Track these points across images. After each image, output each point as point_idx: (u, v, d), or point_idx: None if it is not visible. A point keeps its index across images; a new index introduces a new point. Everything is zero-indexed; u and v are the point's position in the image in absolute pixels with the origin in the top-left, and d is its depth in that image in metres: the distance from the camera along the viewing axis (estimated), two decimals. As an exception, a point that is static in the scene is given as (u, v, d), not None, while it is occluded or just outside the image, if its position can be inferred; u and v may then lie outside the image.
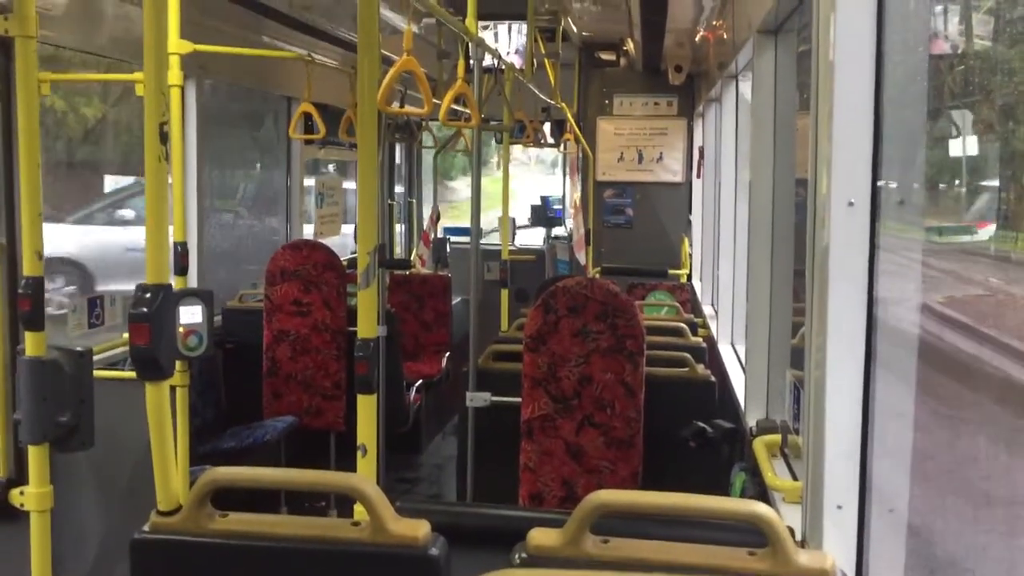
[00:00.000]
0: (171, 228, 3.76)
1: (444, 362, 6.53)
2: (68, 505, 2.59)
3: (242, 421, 4.85)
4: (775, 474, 2.68)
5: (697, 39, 5.85)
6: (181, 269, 3.86)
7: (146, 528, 1.82)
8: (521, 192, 10.17)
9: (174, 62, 3.66)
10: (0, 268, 3.43)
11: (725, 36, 4.65)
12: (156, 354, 1.79)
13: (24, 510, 2.46)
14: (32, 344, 2.41)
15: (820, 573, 1.55)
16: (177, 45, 3.67)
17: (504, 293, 5.03)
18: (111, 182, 8.49)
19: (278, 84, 5.52)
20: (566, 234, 8.95)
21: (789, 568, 1.53)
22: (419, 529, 1.74)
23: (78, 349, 2.46)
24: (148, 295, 1.79)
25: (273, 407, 4.99)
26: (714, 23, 4.91)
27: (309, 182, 6.22)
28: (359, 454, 2.17)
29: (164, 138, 1.78)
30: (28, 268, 2.42)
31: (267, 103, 6.10)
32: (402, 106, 5.14)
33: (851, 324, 1.88)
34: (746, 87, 4.43)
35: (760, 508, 1.55)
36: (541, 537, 1.63)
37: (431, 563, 1.73)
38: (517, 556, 1.66)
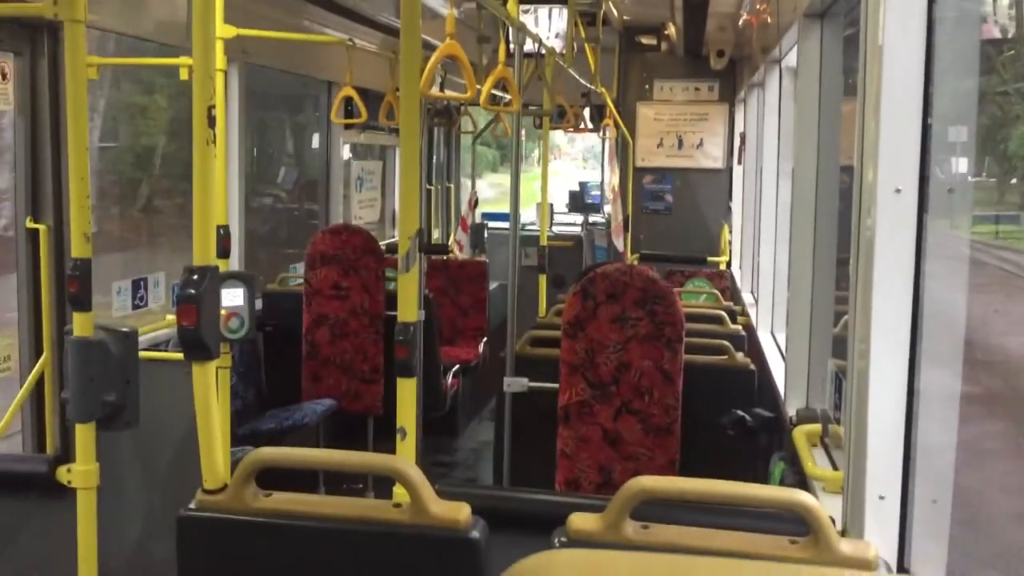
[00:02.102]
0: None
1: (481, 347, 6.55)
2: (113, 483, 2.64)
3: (281, 403, 4.91)
4: (815, 464, 2.65)
5: (740, 23, 5.78)
6: (223, 252, 3.89)
7: (192, 505, 1.85)
8: (567, 187, 10.09)
9: (218, 46, 3.69)
10: (47, 250, 3.50)
11: (769, 20, 4.59)
12: (203, 335, 1.81)
13: (71, 487, 2.51)
14: (79, 324, 2.45)
15: (863, 563, 1.54)
16: (222, 30, 3.70)
17: (542, 279, 5.02)
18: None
19: (319, 68, 5.54)
20: (604, 220, 8.92)
21: (832, 557, 1.52)
22: (460, 512, 1.76)
23: (124, 330, 2.50)
24: (196, 277, 1.81)
25: (312, 390, 5.04)
26: (758, 7, 4.85)
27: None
28: (399, 437, 2.18)
29: (212, 121, 1.79)
30: (76, 250, 2.45)
31: (308, 87, 6.14)
32: (442, 90, 5.14)
33: (896, 314, 1.85)
34: (790, 72, 4.37)
35: (802, 496, 1.54)
36: (581, 521, 1.63)
37: (472, 545, 1.74)
38: (557, 540, 1.66)
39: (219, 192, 3.84)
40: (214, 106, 1.80)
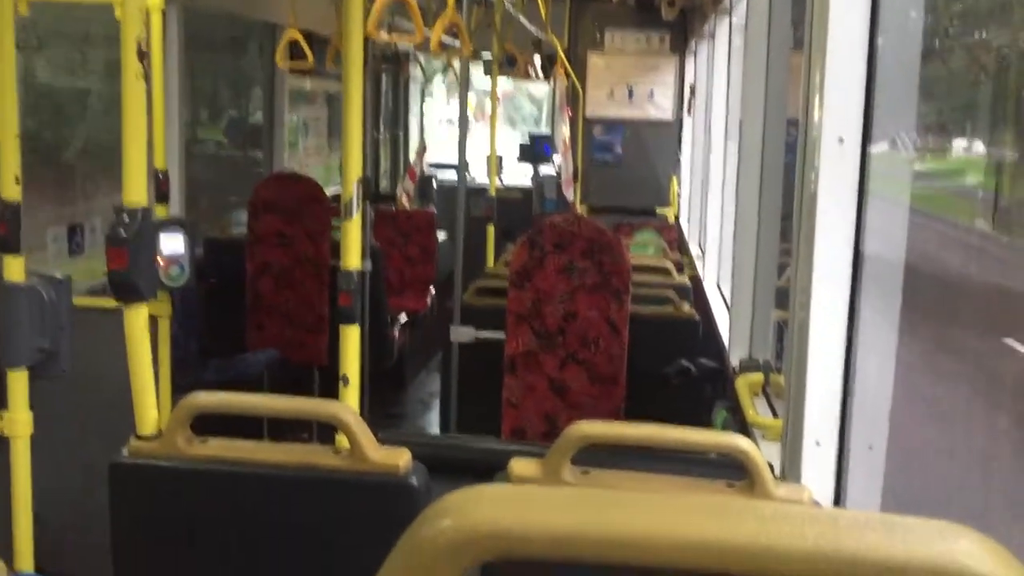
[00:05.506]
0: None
1: (429, 298, 6.52)
2: (48, 431, 2.59)
3: (224, 354, 4.83)
4: (756, 412, 2.70)
5: (691, -27, 5.75)
6: (162, 197, 3.80)
7: (125, 452, 1.82)
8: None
9: (155, -16, 3.56)
10: None
11: (720, -30, 4.56)
12: (135, 277, 1.76)
13: (4, 436, 2.46)
14: (10, 269, 2.38)
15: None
16: (158, -34, 3.56)
17: (490, 230, 5.00)
18: None
19: (262, 10, 5.40)
20: (554, 172, 8.90)
21: (767, 499, 1.54)
22: (400, 458, 1.75)
23: (57, 275, 2.44)
24: (126, 218, 1.76)
25: (256, 340, 4.97)
26: (709, -43, 4.81)
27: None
28: (341, 384, 2.16)
29: (141, 56, 1.73)
30: (5, 192, 2.37)
31: (252, 31, 5.98)
32: (390, 35, 5.04)
33: (837, 264, 1.87)
34: (740, 24, 4.36)
35: (740, 440, 1.56)
36: (522, 467, 1.63)
37: (411, 491, 1.73)
38: None
39: (158, 136, 3.73)
40: (144, 40, 1.74)
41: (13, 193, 2.37)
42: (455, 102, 13.86)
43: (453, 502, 0.68)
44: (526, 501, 0.66)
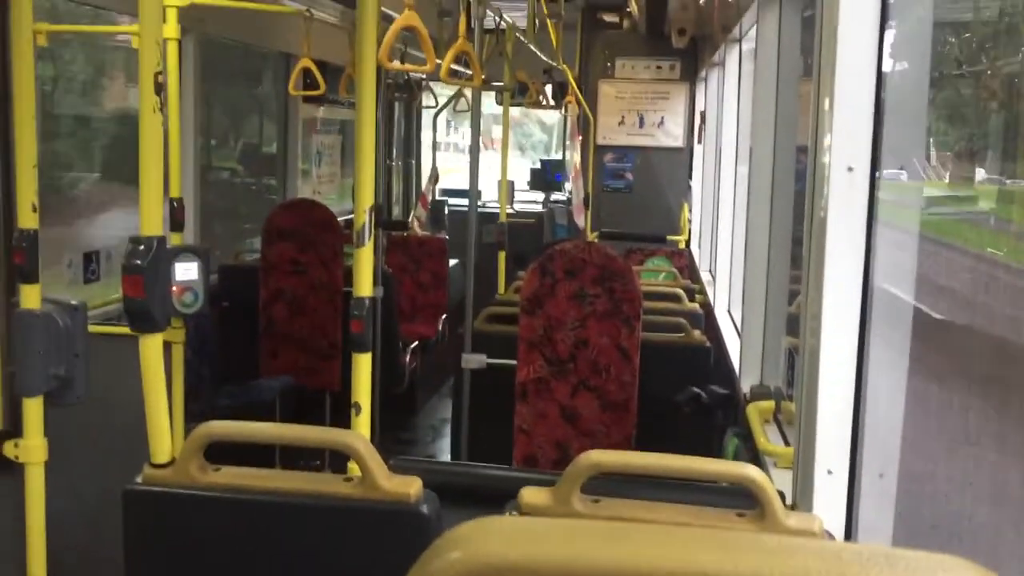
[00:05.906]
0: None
1: (441, 324, 6.53)
2: (62, 458, 2.60)
3: (238, 380, 4.85)
4: (767, 439, 2.69)
5: (701, 2, 5.79)
6: (177, 225, 3.83)
7: (139, 479, 1.83)
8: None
9: (171, 15, 3.61)
10: None
11: (729, -1, 4.60)
12: (150, 306, 1.78)
13: (18, 462, 2.47)
14: (27, 297, 2.41)
15: (808, 535, 1.56)
16: (174, -2, 3.62)
17: (501, 256, 5.02)
18: None
19: (277, 40, 5.46)
20: (565, 199, 8.93)
21: (778, 529, 1.54)
22: (411, 486, 1.75)
23: (73, 303, 2.46)
24: (142, 247, 1.78)
25: (269, 366, 4.99)
26: (719, -14, 4.85)
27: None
28: (353, 412, 2.17)
29: (159, 88, 1.76)
30: (23, 220, 2.40)
31: (268, 60, 6.05)
32: (402, 63, 5.10)
33: (847, 291, 1.88)
34: (749, 52, 4.39)
35: (750, 470, 1.55)
36: (532, 496, 1.63)
37: (422, 520, 1.74)
38: (508, 514, 1.66)
39: (173, 165, 3.77)
40: (161, 72, 1.77)
41: (31, 221, 2.40)
42: (454, 128, 13.87)
43: (462, 534, 0.69)
44: (534, 533, 0.67)
